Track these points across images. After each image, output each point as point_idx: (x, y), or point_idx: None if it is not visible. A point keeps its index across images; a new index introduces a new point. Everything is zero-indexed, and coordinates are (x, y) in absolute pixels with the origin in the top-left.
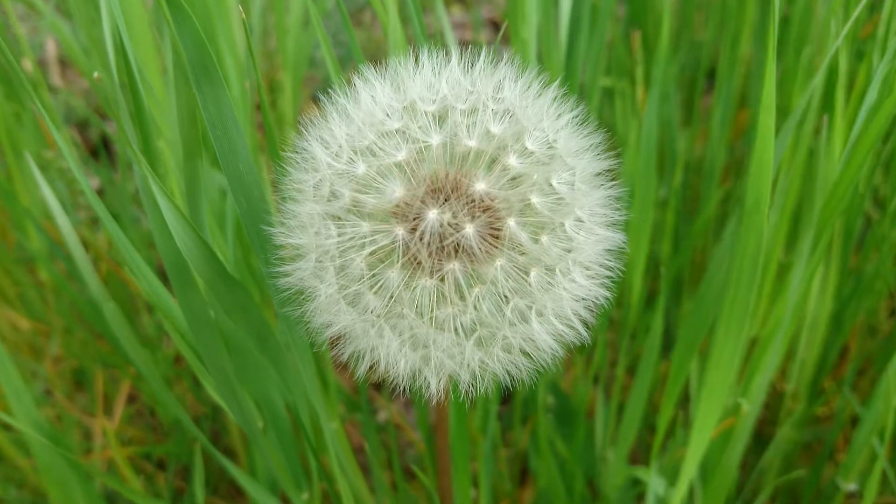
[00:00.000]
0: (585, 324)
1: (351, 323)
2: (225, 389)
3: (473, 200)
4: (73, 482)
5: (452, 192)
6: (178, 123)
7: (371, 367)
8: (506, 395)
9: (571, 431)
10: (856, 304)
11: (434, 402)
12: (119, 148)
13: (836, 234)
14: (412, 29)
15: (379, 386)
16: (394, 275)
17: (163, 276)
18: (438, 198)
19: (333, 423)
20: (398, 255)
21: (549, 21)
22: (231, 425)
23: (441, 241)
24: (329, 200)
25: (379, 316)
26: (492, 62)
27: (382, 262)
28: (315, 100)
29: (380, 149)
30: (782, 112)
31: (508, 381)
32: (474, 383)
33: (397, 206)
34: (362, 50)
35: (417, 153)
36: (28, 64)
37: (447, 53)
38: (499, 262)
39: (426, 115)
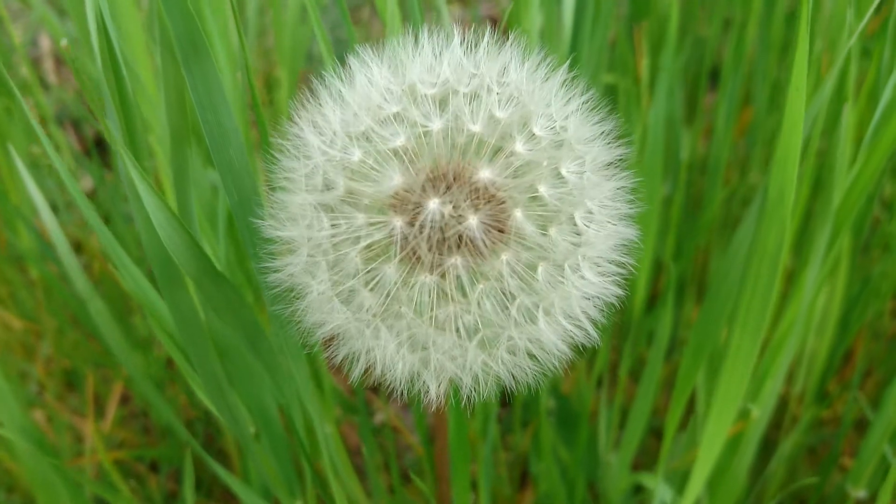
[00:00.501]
0: (595, 324)
1: (345, 322)
2: (215, 393)
3: (477, 190)
4: (60, 488)
5: (455, 180)
6: (166, 108)
7: (367, 371)
8: (506, 398)
9: (573, 435)
10: (862, 306)
11: (434, 407)
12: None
13: (846, 236)
14: (412, 23)
15: (376, 388)
16: (391, 270)
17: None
18: (439, 187)
19: (329, 426)
20: (396, 249)
21: (551, 15)
22: (226, 428)
23: (442, 234)
24: (322, 190)
25: (375, 315)
26: (496, 43)
27: (379, 256)
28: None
29: (377, 134)
30: None
31: (513, 384)
32: (476, 387)
33: (395, 195)
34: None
35: (417, 139)
36: (21, 62)
37: (449, 34)
38: (504, 257)
39: (426, 98)
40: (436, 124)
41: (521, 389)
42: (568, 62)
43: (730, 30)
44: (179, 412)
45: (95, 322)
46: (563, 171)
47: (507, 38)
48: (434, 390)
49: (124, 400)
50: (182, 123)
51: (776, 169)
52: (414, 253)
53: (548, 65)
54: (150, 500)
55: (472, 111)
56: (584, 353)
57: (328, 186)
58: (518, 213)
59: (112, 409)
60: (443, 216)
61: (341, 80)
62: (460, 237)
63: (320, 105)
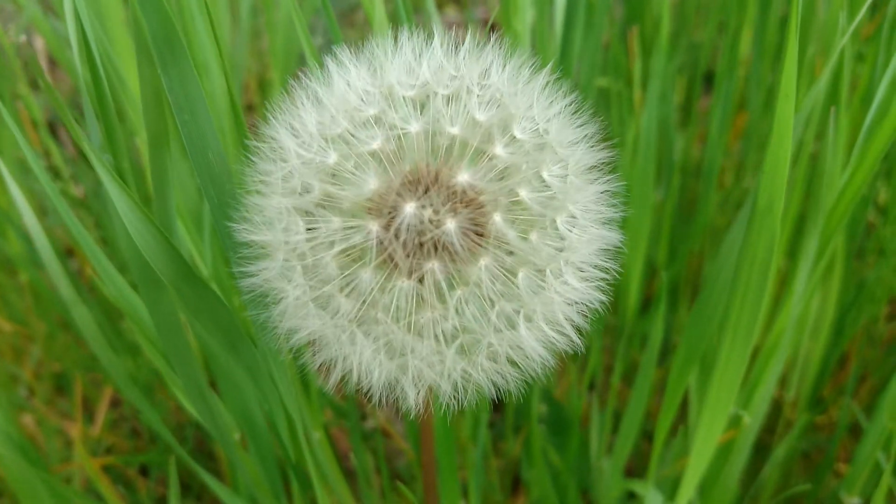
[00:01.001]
0: (579, 330)
1: (321, 328)
2: (197, 399)
3: (455, 193)
4: (45, 497)
5: (432, 184)
6: (143, 110)
7: (343, 378)
8: (497, 404)
9: (565, 441)
10: (856, 311)
11: (413, 414)
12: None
13: (840, 240)
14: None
15: (368, 393)
16: (367, 275)
17: None
18: (417, 190)
19: (316, 431)
20: (372, 254)
21: (543, 17)
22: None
23: (419, 238)
24: (298, 194)
25: (351, 321)
26: (478, 45)
27: (356, 261)
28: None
29: (353, 137)
30: None
31: (494, 392)
32: (456, 395)
33: (372, 199)
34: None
35: (395, 142)
36: (10, 61)
37: (430, 35)
38: (483, 262)
39: (405, 100)
40: (414, 126)
41: (511, 395)
42: (551, 64)
43: (724, 34)
44: (169, 416)
45: (79, 327)
46: (545, 175)
47: (490, 40)
48: (413, 397)
49: (115, 403)
50: (160, 126)
51: (766, 176)
52: (391, 258)
53: (531, 67)
54: None
55: (451, 113)
56: (576, 358)
57: (304, 190)
58: (497, 218)
59: (102, 413)
60: (420, 220)
61: (319, 81)
62: (438, 242)
63: (297, 107)
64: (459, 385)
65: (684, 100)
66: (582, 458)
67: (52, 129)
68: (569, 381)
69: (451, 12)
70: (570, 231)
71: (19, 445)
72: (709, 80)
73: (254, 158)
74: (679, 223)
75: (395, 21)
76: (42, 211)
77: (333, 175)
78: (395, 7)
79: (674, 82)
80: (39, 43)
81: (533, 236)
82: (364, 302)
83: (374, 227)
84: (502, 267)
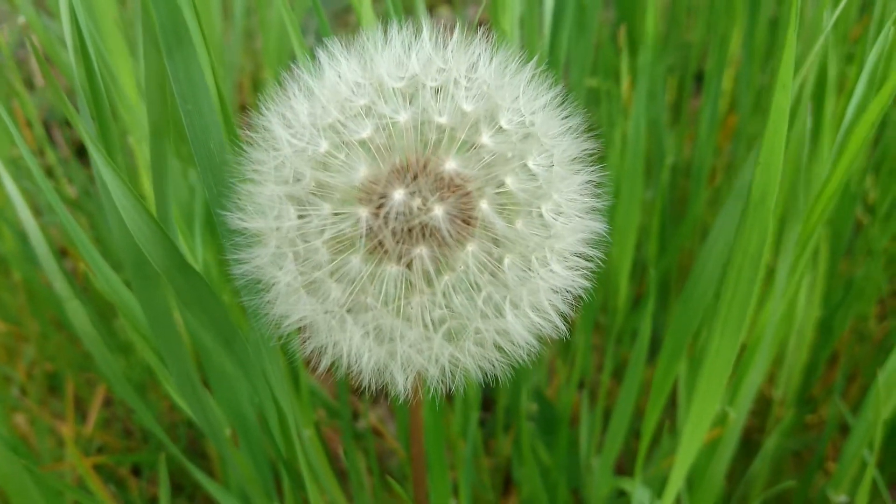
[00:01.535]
0: (564, 317)
1: (311, 314)
2: (189, 394)
3: (443, 181)
4: (35, 494)
5: (421, 172)
6: (146, 99)
7: (333, 364)
8: (488, 402)
9: (555, 439)
10: (845, 309)
11: (402, 400)
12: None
13: (824, 238)
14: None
15: (359, 392)
16: (356, 261)
17: None
18: (405, 178)
19: (307, 429)
20: (361, 240)
21: (532, 15)
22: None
23: (407, 224)
24: (290, 182)
25: (341, 306)
26: (466, 39)
27: (347, 248)
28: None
29: (344, 127)
30: None
31: (482, 377)
32: (444, 380)
33: (362, 186)
34: None
35: (384, 131)
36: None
37: (419, 29)
38: (470, 248)
39: (394, 91)
40: (403, 117)
41: (502, 393)
42: (537, 58)
43: (713, 34)
44: (162, 416)
45: (72, 322)
46: (531, 164)
47: (478, 34)
48: (402, 383)
49: (107, 403)
50: (162, 115)
51: (760, 168)
52: (380, 244)
53: (518, 61)
54: None
55: (439, 104)
56: (566, 355)
57: (296, 178)
58: (484, 205)
59: (94, 412)
60: (408, 207)
61: (311, 73)
62: (426, 227)
63: (289, 98)
64: (447, 370)
65: (675, 99)
66: (572, 456)
67: (46, 128)
68: (559, 379)
69: (444, 13)
70: (556, 219)
71: (11, 444)
72: (700, 80)
73: (247, 148)
74: (669, 221)
75: (385, 22)
76: (35, 210)
77: (324, 164)
78: (386, 8)
79: (664, 82)
80: (34, 42)
81: (519, 224)
82: (354, 287)
83: (363, 213)
84: (489, 254)
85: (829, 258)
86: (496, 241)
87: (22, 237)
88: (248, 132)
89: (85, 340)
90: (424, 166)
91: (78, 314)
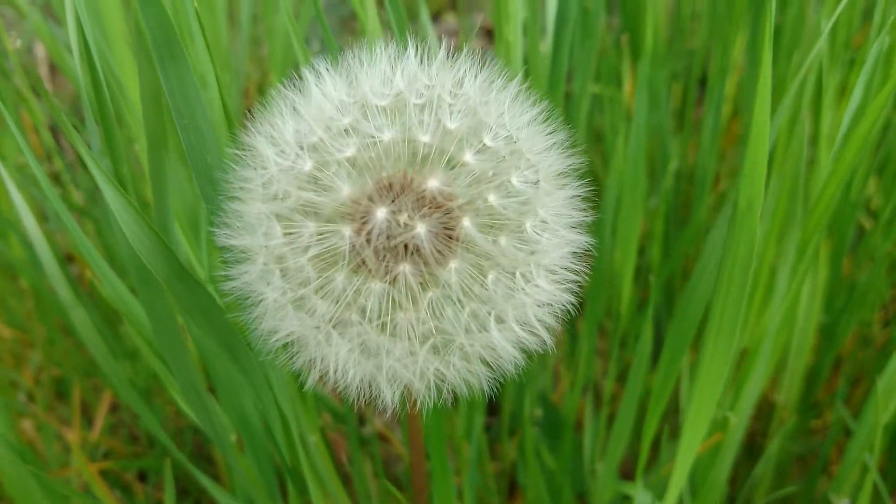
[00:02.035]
0: (551, 331)
1: (298, 329)
2: (194, 401)
3: (426, 199)
4: (42, 500)
5: (403, 190)
6: (143, 113)
7: (322, 377)
8: (493, 406)
9: (559, 444)
10: (848, 315)
11: (390, 412)
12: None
13: (825, 243)
14: (399, 35)
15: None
16: (341, 278)
17: None
18: (388, 196)
19: (313, 434)
20: (345, 257)
21: (535, 22)
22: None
23: (390, 242)
24: (276, 200)
25: (327, 322)
26: (454, 55)
27: (332, 265)
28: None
29: (329, 145)
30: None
31: (468, 392)
32: (431, 394)
33: (346, 205)
34: None
35: (368, 149)
36: (15, 71)
37: (405, 47)
38: (453, 265)
39: (378, 110)
40: (386, 135)
41: (508, 397)
42: (521, 74)
43: (716, 39)
44: (168, 421)
45: (78, 330)
46: (515, 181)
47: (462, 51)
48: (389, 396)
49: (113, 408)
50: (159, 128)
51: (745, 178)
52: (364, 261)
53: (504, 76)
54: None
55: (423, 122)
56: (571, 360)
57: (282, 196)
58: (466, 222)
59: (100, 418)
60: (391, 225)
61: (297, 92)
62: (409, 245)
63: (274, 116)
64: (433, 384)
65: (679, 105)
66: (576, 460)
67: (54, 132)
68: (564, 383)
69: (450, 19)
70: (541, 235)
71: (17, 450)
72: (704, 85)
73: (235, 166)
74: (673, 227)
75: (389, 28)
76: (42, 216)
77: (309, 182)
78: (390, 16)
79: (668, 88)
80: (40, 49)
81: (503, 240)
82: (339, 304)
83: (347, 231)
84: (473, 270)
85: (830, 263)
86: (480, 258)
87: (29, 244)
88: (236, 150)
89: (90, 348)
90: (407, 185)
91: (83, 323)
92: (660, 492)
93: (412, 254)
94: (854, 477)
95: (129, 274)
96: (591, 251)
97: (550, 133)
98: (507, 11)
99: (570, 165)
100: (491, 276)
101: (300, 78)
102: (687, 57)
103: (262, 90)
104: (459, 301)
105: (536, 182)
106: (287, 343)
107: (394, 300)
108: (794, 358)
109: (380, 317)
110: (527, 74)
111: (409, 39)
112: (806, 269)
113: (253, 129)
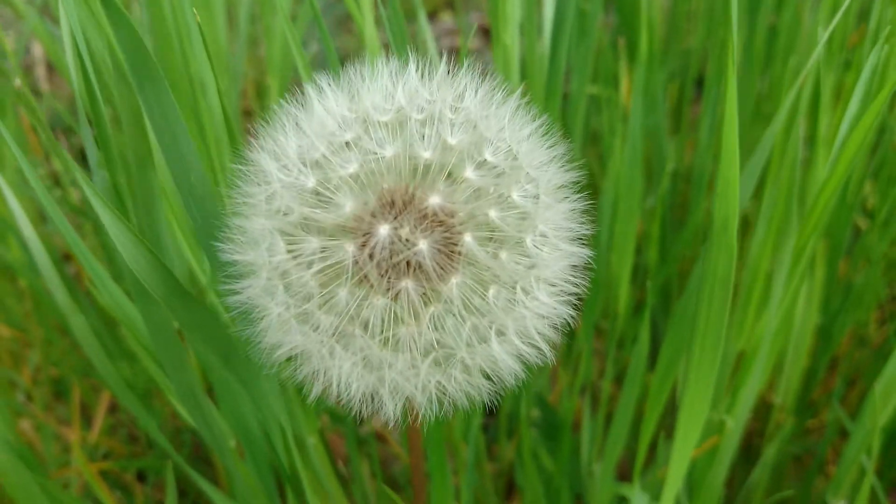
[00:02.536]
0: (551, 343)
1: (302, 343)
2: (192, 406)
3: (428, 215)
4: (42, 502)
5: (405, 206)
6: (126, 134)
7: (325, 390)
8: (491, 408)
9: (557, 445)
10: (845, 316)
11: (392, 424)
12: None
13: (822, 245)
14: (395, 36)
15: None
16: (344, 293)
17: None
18: (391, 212)
19: (312, 437)
20: (348, 273)
21: (532, 25)
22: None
23: (393, 258)
24: (279, 215)
25: (330, 336)
26: (455, 69)
27: (335, 280)
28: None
29: (331, 161)
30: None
31: (469, 404)
32: (432, 407)
33: (348, 221)
34: (351, 57)
35: (370, 166)
36: (14, 73)
37: (407, 62)
38: (454, 280)
39: (380, 125)
40: (388, 151)
41: (505, 399)
42: (520, 89)
43: (712, 40)
44: (166, 422)
45: (77, 336)
46: (515, 196)
47: (463, 65)
48: (391, 408)
49: (112, 409)
50: (143, 148)
51: (718, 198)
52: (366, 277)
53: (504, 90)
54: None
55: (424, 138)
56: (567, 361)
57: (285, 212)
58: (468, 238)
59: (99, 418)
60: (393, 241)
61: (299, 107)
62: (411, 261)
63: (277, 132)
64: (435, 396)
65: (676, 105)
66: (574, 462)
67: (54, 132)
68: (561, 384)
69: (447, 18)
70: (541, 249)
71: (17, 451)
72: (700, 85)
73: (239, 181)
74: (670, 227)
75: (385, 29)
76: (41, 217)
77: (313, 197)
78: (385, 22)
79: (665, 89)
80: (37, 49)
81: (503, 255)
82: (342, 318)
83: (350, 247)
84: (474, 284)
85: (827, 265)
86: (481, 272)
87: (28, 245)
88: (239, 165)
89: (88, 352)
90: (409, 201)
91: (81, 328)
92: (657, 493)
93: (414, 269)
94: (851, 478)
95: (126, 277)
96: (590, 263)
97: (550, 147)
98: (504, 15)
99: (570, 179)
100: (492, 291)
101: (299, 85)
102: (683, 57)
103: (259, 92)
104: (461, 315)
105: (536, 196)
106: (291, 357)
107: (396, 315)
108: (791, 359)
109: (382, 331)
110: (524, 77)
111: (409, 53)
112: (803, 274)
113: (256, 145)
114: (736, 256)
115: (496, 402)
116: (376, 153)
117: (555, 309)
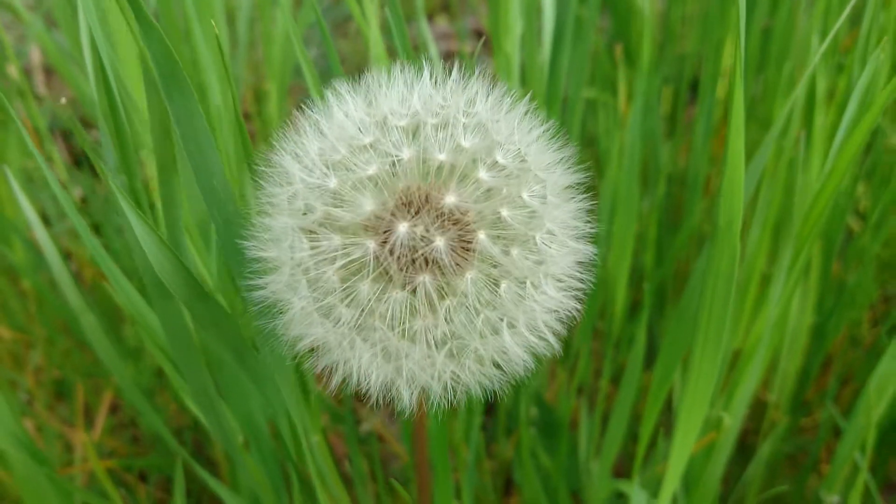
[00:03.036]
0: (558, 335)
1: (323, 335)
2: (204, 403)
3: (443, 214)
4: (52, 498)
5: (423, 205)
6: (153, 140)
7: (344, 380)
8: (490, 407)
9: (555, 443)
10: (838, 315)
11: (407, 413)
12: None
13: (816, 246)
14: (395, 40)
15: (363, 398)
16: (365, 287)
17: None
18: (409, 211)
19: (315, 435)
20: (369, 268)
21: (531, 33)
22: (214, 437)
23: (411, 254)
24: (302, 214)
25: (351, 328)
26: (465, 76)
27: (355, 274)
28: (300, 108)
29: (352, 163)
30: (765, 125)
31: (481, 393)
32: (446, 395)
33: (369, 219)
34: (348, 60)
35: (389, 167)
36: (14, 71)
37: (420, 68)
38: (469, 275)
39: (397, 129)
40: (406, 153)
41: (494, 397)
42: (531, 92)
43: (706, 45)
44: (169, 421)
45: (87, 335)
46: (525, 196)
47: (478, 69)
48: (407, 398)
49: (113, 410)
50: (168, 153)
51: (724, 199)
52: (386, 272)
53: (513, 95)
54: None
55: (439, 141)
56: (565, 361)
57: (308, 211)
58: (482, 235)
59: (101, 418)
60: (412, 238)
61: (320, 112)
62: (428, 257)
63: (300, 136)
64: (449, 386)
65: (671, 109)
66: (572, 460)
67: (52, 133)
68: (559, 384)
69: (443, 23)
70: (549, 246)
71: (26, 446)
72: (695, 89)
73: (262, 182)
74: (666, 230)
75: (385, 32)
76: (44, 219)
77: (334, 198)
78: (392, 29)
79: (659, 93)
80: (35, 54)
81: (514, 251)
82: (362, 311)
83: (371, 244)
84: (487, 279)
85: (821, 266)
86: (493, 268)
87: (30, 245)
88: (262, 167)
89: (99, 352)
90: (426, 200)
91: (93, 328)
92: (654, 490)
93: (431, 265)
94: (844, 475)
95: (133, 276)
96: (594, 260)
97: (557, 149)
98: (506, 24)
99: (576, 180)
100: (503, 285)
101: (298, 89)
102: (678, 61)
103: (258, 96)
104: (474, 308)
105: (544, 196)
106: (312, 348)
107: (413, 308)
108: (786, 359)
109: (400, 323)
110: (524, 84)
111: (421, 60)
112: (798, 275)
113: (279, 148)
114: (738, 255)
115: (495, 401)
116: (394, 155)
117: (562, 303)
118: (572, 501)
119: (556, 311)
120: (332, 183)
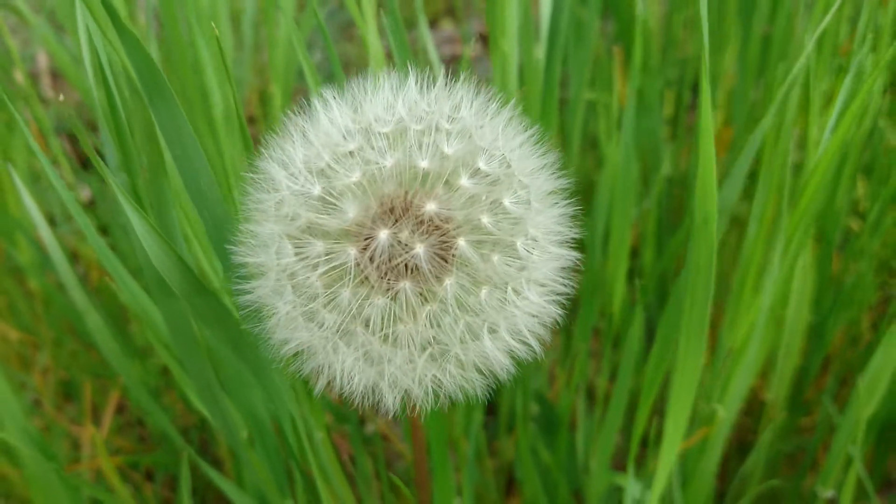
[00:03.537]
0: (540, 340)
1: (308, 339)
2: (209, 400)
3: (424, 221)
4: (61, 493)
5: (404, 212)
6: (140, 145)
7: (329, 383)
8: (491, 405)
9: (555, 440)
10: (837, 314)
11: (392, 415)
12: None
13: (813, 244)
14: (397, 45)
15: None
16: (346, 293)
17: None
18: (391, 218)
19: (319, 432)
20: (350, 275)
21: (529, 33)
22: (219, 434)
23: (392, 261)
24: (289, 220)
25: (334, 333)
26: (452, 81)
27: (339, 280)
28: (293, 113)
29: (335, 170)
30: None
31: (462, 397)
32: (427, 399)
33: (351, 226)
34: (352, 64)
35: (371, 175)
36: (20, 76)
37: (407, 75)
38: (448, 281)
39: (381, 136)
40: (388, 161)
41: (504, 396)
42: (514, 100)
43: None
44: (175, 420)
45: (93, 335)
46: (507, 202)
47: (460, 78)
48: (390, 400)
49: (120, 409)
50: (156, 157)
51: (699, 199)
52: (367, 278)
53: (498, 101)
54: None
55: (422, 147)
56: (564, 359)
57: (292, 217)
58: (461, 242)
59: (108, 417)
60: (392, 245)
61: (306, 119)
62: (409, 264)
63: (285, 142)
64: (431, 389)
65: (673, 112)
66: (571, 456)
67: (59, 135)
68: (559, 382)
69: (447, 26)
70: (531, 252)
71: (36, 444)
72: (696, 91)
73: (251, 188)
74: (666, 230)
75: (387, 37)
76: (49, 219)
77: (317, 205)
78: (389, 35)
79: (662, 96)
80: (42, 57)
81: (495, 257)
82: (345, 317)
83: (352, 251)
84: (467, 285)
85: (819, 264)
86: (474, 274)
87: (37, 245)
88: (250, 174)
89: (106, 352)
90: (408, 207)
91: (99, 328)
92: (650, 483)
93: (412, 271)
94: (839, 469)
95: (138, 275)
96: (579, 265)
97: (542, 155)
98: (503, 23)
99: (560, 185)
100: (484, 291)
101: (302, 92)
102: (680, 65)
103: (262, 98)
104: (455, 314)
105: (528, 202)
106: (298, 351)
107: (395, 313)
108: (783, 357)
109: (382, 328)
110: (522, 83)
111: (409, 65)
112: (792, 262)
113: (266, 154)
114: (716, 249)
115: (496, 400)
116: (377, 162)
117: (544, 308)
118: (573, 499)
119: (538, 316)
120: (317, 190)
